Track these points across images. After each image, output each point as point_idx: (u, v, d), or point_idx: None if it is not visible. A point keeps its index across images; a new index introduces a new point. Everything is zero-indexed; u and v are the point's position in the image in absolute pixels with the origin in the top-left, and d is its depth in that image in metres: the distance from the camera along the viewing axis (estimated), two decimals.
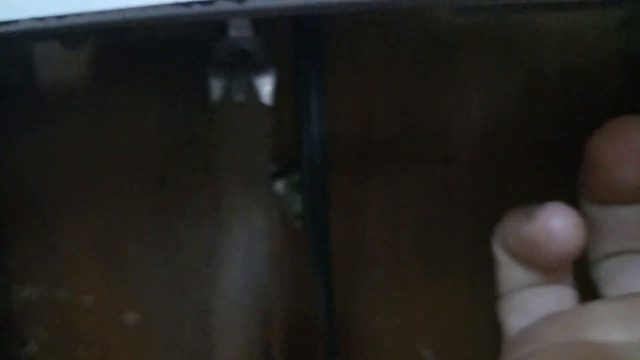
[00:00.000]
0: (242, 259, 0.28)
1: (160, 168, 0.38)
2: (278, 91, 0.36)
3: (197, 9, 0.15)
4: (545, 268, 0.23)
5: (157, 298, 0.40)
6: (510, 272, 0.24)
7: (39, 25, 0.17)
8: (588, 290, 0.24)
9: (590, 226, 0.22)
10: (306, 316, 0.38)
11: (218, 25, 0.24)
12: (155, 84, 0.37)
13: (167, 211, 0.38)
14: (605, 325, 0.20)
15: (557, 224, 0.20)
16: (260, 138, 0.28)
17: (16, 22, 0.17)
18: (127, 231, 0.39)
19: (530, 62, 0.34)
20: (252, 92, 0.26)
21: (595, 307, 0.21)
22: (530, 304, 0.23)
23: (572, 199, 0.23)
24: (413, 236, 0.37)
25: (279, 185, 0.33)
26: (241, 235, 0.28)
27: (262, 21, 0.24)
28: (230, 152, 0.27)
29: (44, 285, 0.41)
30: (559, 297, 0.23)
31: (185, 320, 0.40)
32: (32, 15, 0.17)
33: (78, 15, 0.17)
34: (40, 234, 0.41)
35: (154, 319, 0.40)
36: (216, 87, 0.28)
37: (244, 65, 0.26)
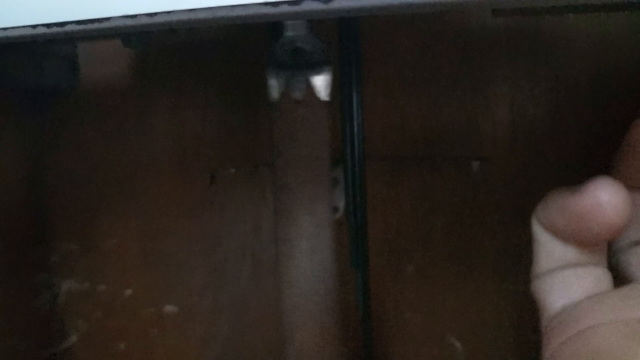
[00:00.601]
0: (308, 248, 0.29)
1: (208, 165, 0.39)
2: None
3: (284, 8, 0.16)
4: (591, 243, 0.23)
5: (196, 292, 0.41)
6: (550, 252, 0.24)
7: (131, 22, 0.19)
8: None
9: None
10: (345, 306, 0.39)
11: (274, 25, 0.26)
12: (198, 83, 0.39)
13: (208, 208, 0.40)
14: None
15: (606, 197, 0.21)
16: (321, 133, 0.29)
17: (107, 19, 0.19)
18: (168, 227, 0.41)
19: (559, 65, 0.35)
20: (310, 90, 0.28)
21: (635, 289, 0.22)
22: (571, 284, 0.24)
23: None
24: (444, 232, 0.38)
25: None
26: (307, 225, 0.29)
27: (315, 23, 0.26)
28: (293, 147, 0.28)
29: (86, 280, 0.43)
30: (596, 278, 0.24)
31: (222, 313, 0.41)
32: (124, 12, 0.19)
33: (168, 13, 0.18)
34: (84, 230, 0.42)
35: (192, 312, 0.42)
36: (275, 86, 0.29)
37: (302, 63, 0.27)
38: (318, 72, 0.27)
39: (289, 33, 0.25)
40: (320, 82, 0.28)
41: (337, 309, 0.30)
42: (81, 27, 0.19)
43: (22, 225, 0.41)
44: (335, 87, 0.34)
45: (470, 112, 0.36)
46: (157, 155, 0.40)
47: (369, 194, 0.36)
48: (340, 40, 0.33)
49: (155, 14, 0.18)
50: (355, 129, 0.34)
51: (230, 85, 0.38)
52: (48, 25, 0.20)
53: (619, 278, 0.25)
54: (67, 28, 0.20)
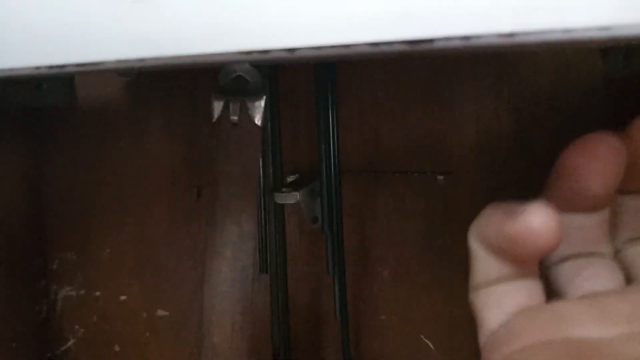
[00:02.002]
0: (231, 255, 0.32)
1: (196, 180, 0.42)
2: (294, 113, 0.40)
3: (255, 56, 0.19)
4: (522, 261, 0.24)
5: (186, 297, 0.44)
6: (486, 266, 0.25)
7: (122, 65, 0.21)
8: None
9: None
10: (321, 309, 0.42)
11: None
12: (187, 105, 0.41)
13: (196, 220, 0.42)
14: (583, 323, 0.22)
15: (538, 222, 0.21)
16: (252, 153, 0.31)
17: (102, 63, 0.22)
18: (159, 237, 0.43)
19: (521, 83, 0.38)
20: (246, 114, 0.30)
21: (569, 307, 0.23)
22: (505, 299, 0.25)
23: None
24: (416, 240, 0.41)
25: (298, 194, 0.37)
26: (232, 235, 0.31)
27: None
28: (227, 164, 0.31)
29: (82, 287, 0.45)
30: (529, 290, 0.25)
31: (211, 317, 0.44)
32: (116, 57, 0.22)
33: (155, 59, 0.21)
34: (80, 241, 0.45)
35: (182, 317, 0.44)
36: (216, 108, 0.31)
37: (241, 90, 0.29)
38: (253, 99, 0.30)
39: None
40: (255, 108, 0.30)
41: (250, 310, 0.32)
42: (79, 69, 0.22)
43: (23, 236, 0.44)
44: (317, 110, 0.37)
45: (438, 129, 0.39)
46: (149, 171, 0.43)
47: (345, 205, 0.39)
48: (317, 68, 0.36)
49: (144, 59, 0.21)
50: (332, 146, 0.37)
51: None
52: (50, 67, 0.23)
53: (550, 292, 0.26)
54: (66, 69, 0.22)
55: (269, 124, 0.35)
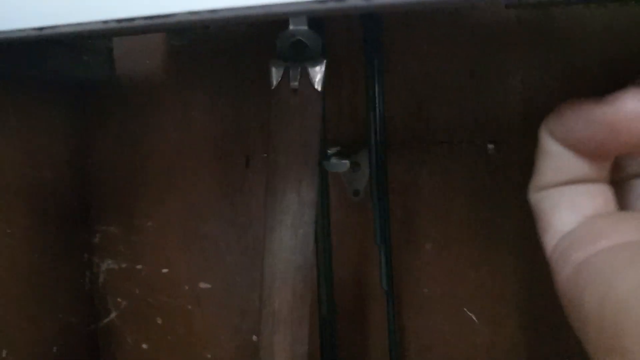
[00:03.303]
0: (291, 223, 0.31)
1: (243, 150, 0.42)
2: (340, 87, 0.40)
3: (331, 5, 0.19)
4: (611, 155, 0.23)
5: (229, 270, 0.44)
6: (560, 165, 0.24)
7: (194, 18, 0.21)
8: None
9: None
10: (364, 281, 0.42)
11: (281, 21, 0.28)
12: (229, 74, 0.41)
13: (242, 193, 0.42)
14: None
15: (637, 103, 0.20)
16: (312, 120, 0.30)
17: (173, 15, 0.22)
18: (205, 210, 0.44)
19: (570, 53, 0.37)
20: (306, 80, 0.29)
21: None
22: (582, 201, 0.23)
23: None
24: (461, 212, 0.40)
25: (347, 164, 0.36)
26: (292, 203, 0.31)
27: (319, 20, 0.28)
28: (285, 132, 0.31)
29: (125, 260, 0.46)
30: (604, 195, 0.24)
31: (254, 290, 0.44)
32: (188, 9, 0.22)
33: (228, 9, 0.21)
34: (124, 214, 0.45)
35: (226, 289, 0.44)
36: (275, 75, 0.30)
37: (300, 55, 0.29)
38: (314, 64, 0.29)
39: (291, 27, 0.27)
40: (315, 73, 0.29)
41: (311, 279, 0.32)
42: (148, 22, 0.22)
43: (68, 209, 0.44)
44: (365, 79, 0.37)
45: (485, 100, 0.39)
46: (194, 142, 0.43)
47: (390, 177, 0.39)
48: (364, 34, 0.36)
49: (216, 10, 0.21)
50: (378, 117, 0.37)
51: (262, 77, 0.41)
52: (119, 21, 0.23)
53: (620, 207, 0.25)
54: (136, 23, 0.22)
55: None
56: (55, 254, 0.43)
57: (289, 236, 0.31)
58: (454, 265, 0.41)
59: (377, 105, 0.37)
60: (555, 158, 0.24)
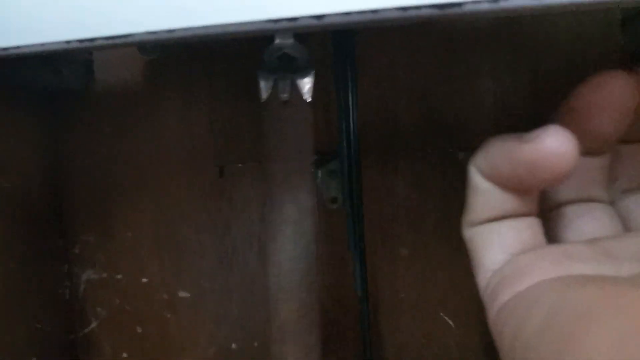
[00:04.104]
0: (291, 232, 0.32)
1: (216, 160, 0.42)
2: (313, 95, 0.40)
3: (283, 24, 0.20)
4: (534, 191, 0.23)
5: (206, 277, 0.44)
6: (488, 200, 0.24)
7: (151, 37, 0.22)
8: None
9: None
10: (345, 286, 0.42)
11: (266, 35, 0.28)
12: (205, 85, 0.42)
13: (217, 200, 0.43)
14: (594, 262, 0.21)
15: (558, 144, 0.21)
16: (304, 129, 0.31)
17: (132, 35, 0.22)
18: (180, 218, 0.44)
19: (538, 58, 0.38)
20: (295, 91, 0.30)
21: (577, 247, 0.23)
22: (509, 238, 0.24)
23: None
24: (435, 218, 0.41)
25: (319, 174, 0.37)
26: (291, 212, 0.32)
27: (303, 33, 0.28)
28: (280, 142, 0.31)
29: (104, 269, 0.46)
30: (532, 230, 0.24)
31: (232, 296, 0.44)
32: (146, 29, 0.22)
33: (185, 29, 0.21)
34: (101, 223, 0.46)
35: (204, 297, 0.45)
36: (264, 87, 0.31)
37: (288, 68, 0.29)
38: (302, 76, 0.30)
39: (278, 41, 0.28)
40: (304, 85, 0.30)
41: (316, 287, 0.33)
42: (108, 42, 0.23)
43: (43, 219, 0.44)
44: (336, 87, 0.37)
45: (456, 106, 0.39)
46: (169, 151, 0.43)
47: (364, 184, 0.39)
48: (335, 43, 0.36)
49: (173, 30, 0.21)
50: (351, 125, 0.37)
51: (236, 86, 0.41)
52: (80, 41, 0.23)
53: (548, 237, 0.25)
54: (97, 43, 0.23)
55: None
56: (33, 264, 0.43)
57: (291, 246, 0.32)
58: (428, 270, 0.42)
59: (350, 113, 0.37)
60: (484, 194, 0.24)
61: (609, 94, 0.22)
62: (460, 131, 0.39)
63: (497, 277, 0.24)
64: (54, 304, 0.46)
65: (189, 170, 0.43)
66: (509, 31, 0.38)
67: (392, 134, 0.40)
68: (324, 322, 0.39)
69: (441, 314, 0.42)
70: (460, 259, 0.41)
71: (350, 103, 0.37)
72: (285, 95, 0.31)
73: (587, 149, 0.24)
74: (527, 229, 0.24)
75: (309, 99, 0.31)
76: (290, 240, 0.32)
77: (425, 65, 0.39)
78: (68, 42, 0.23)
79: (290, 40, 0.28)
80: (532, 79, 0.38)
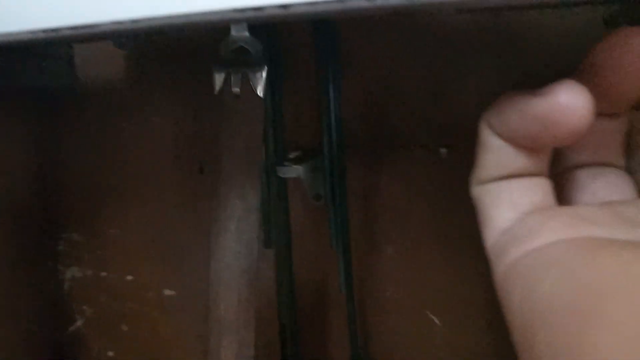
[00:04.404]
0: (235, 229, 0.32)
1: (196, 156, 0.42)
2: (298, 87, 0.40)
3: (249, 14, 0.19)
4: (547, 148, 0.23)
5: (194, 276, 0.44)
6: (499, 158, 0.23)
7: (117, 27, 0.21)
8: None
9: None
10: (328, 286, 0.42)
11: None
12: (190, 80, 0.41)
13: (203, 196, 0.42)
14: (606, 225, 0.21)
15: (572, 99, 0.20)
16: (255, 125, 0.30)
17: (98, 25, 0.22)
18: (166, 216, 0.44)
19: (524, 57, 0.37)
20: (248, 86, 0.29)
21: (589, 209, 0.22)
22: (519, 197, 0.23)
23: None
24: (421, 215, 0.40)
25: (301, 170, 0.36)
26: (237, 208, 0.32)
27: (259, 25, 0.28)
28: (230, 137, 0.31)
29: (89, 267, 0.46)
30: (543, 190, 0.24)
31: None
32: (112, 19, 0.22)
33: (150, 19, 0.21)
34: (87, 221, 0.45)
35: (190, 295, 0.44)
36: (218, 80, 0.30)
37: (241, 61, 0.29)
38: (255, 70, 0.29)
39: (232, 33, 0.27)
40: (257, 79, 0.29)
41: (256, 283, 0.32)
42: (73, 32, 0.22)
43: (29, 217, 0.44)
44: (317, 82, 0.37)
45: (441, 103, 0.39)
46: (153, 149, 0.43)
47: (349, 181, 0.39)
48: (316, 38, 0.36)
49: (138, 20, 0.21)
50: (334, 120, 0.37)
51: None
52: (44, 31, 0.23)
53: (561, 199, 0.25)
54: (61, 33, 0.22)
55: (270, 97, 0.35)
56: (18, 261, 0.43)
57: (233, 241, 0.32)
58: (415, 268, 0.41)
59: (331, 109, 0.37)
60: (494, 151, 0.24)
61: (629, 50, 0.21)
62: (445, 129, 0.39)
63: (506, 236, 0.23)
64: (39, 302, 0.45)
65: (175, 167, 0.43)
66: (495, 31, 0.38)
67: (376, 130, 0.40)
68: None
69: (428, 313, 0.41)
70: (447, 257, 0.40)
71: (332, 97, 0.37)
72: (236, 89, 0.30)
73: (604, 110, 0.23)
74: (538, 189, 0.24)
75: (261, 94, 0.30)
76: (233, 236, 0.31)
77: (411, 62, 0.39)
78: (33, 32, 0.23)
79: (244, 33, 0.28)
80: (517, 77, 0.38)
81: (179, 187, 0.43)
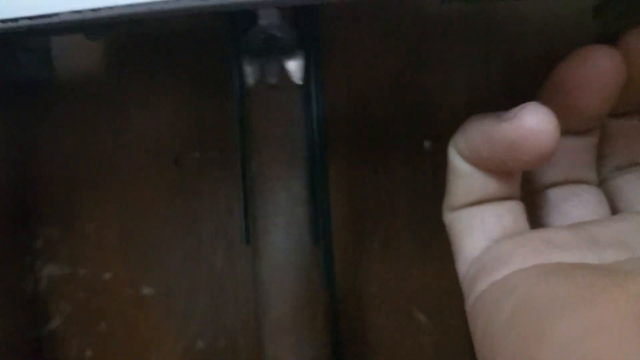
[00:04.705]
0: (284, 223, 0.30)
1: (174, 149, 0.41)
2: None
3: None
4: (516, 172, 0.23)
5: (173, 273, 0.43)
6: (469, 184, 0.23)
7: (77, 17, 0.20)
8: None
9: None
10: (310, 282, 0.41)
11: (249, 15, 0.27)
12: (169, 72, 0.40)
13: (180, 190, 0.41)
14: (576, 249, 0.20)
15: (536, 123, 0.20)
16: (295, 114, 0.30)
17: (57, 14, 0.21)
18: (144, 211, 0.42)
19: (510, 46, 0.37)
20: (284, 74, 0.29)
21: (559, 233, 0.22)
22: (489, 222, 0.23)
23: None
24: (406, 210, 0.40)
25: None
26: (282, 202, 0.30)
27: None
28: (268, 128, 0.30)
29: (67, 264, 0.45)
30: (514, 214, 0.23)
31: (199, 292, 0.43)
32: (71, 8, 0.20)
33: (110, 8, 0.20)
34: (64, 215, 0.44)
35: (170, 292, 0.43)
36: (250, 72, 0.30)
37: (275, 50, 0.28)
38: (291, 57, 0.28)
39: (262, 22, 0.26)
40: (294, 67, 0.28)
41: (308, 280, 0.31)
42: (32, 22, 0.21)
43: (6, 213, 0.43)
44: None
45: (427, 94, 0.38)
46: (130, 142, 0.41)
47: (331, 175, 0.38)
48: (299, 25, 0.35)
49: (98, 9, 0.20)
50: (316, 111, 0.36)
51: (202, 73, 0.39)
52: (3, 21, 0.21)
53: (533, 221, 0.24)
54: (21, 23, 0.21)
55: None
56: None
57: (282, 238, 0.30)
58: (401, 264, 0.40)
59: (313, 98, 0.35)
60: (464, 177, 0.24)
61: (593, 68, 0.21)
62: (431, 120, 0.38)
63: (475, 266, 0.23)
64: (15, 300, 0.44)
65: (153, 162, 0.41)
66: (482, 20, 0.37)
67: (359, 122, 0.39)
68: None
69: (414, 309, 0.40)
70: (433, 252, 0.40)
71: (314, 88, 0.35)
72: (273, 79, 0.29)
73: (573, 128, 0.23)
74: (509, 214, 0.23)
75: (299, 82, 0.29)
76: (281, 232, 0.30)
77: (397, 52, 0.38)
78: None
79: (275, 20, 0.27)
80: (504, 68, 0.37)
81: (159, 183, 0.42)
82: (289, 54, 0.29)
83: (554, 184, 0.25)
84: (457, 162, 0.24)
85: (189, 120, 0.40)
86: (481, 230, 0.23)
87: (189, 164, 0.40)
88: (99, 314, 0.45)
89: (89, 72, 0.42)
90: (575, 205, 0.24)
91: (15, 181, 0.44)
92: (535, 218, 0.25)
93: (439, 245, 0.40)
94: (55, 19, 0.21)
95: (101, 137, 0.42)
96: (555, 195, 0.25)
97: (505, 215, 0.23)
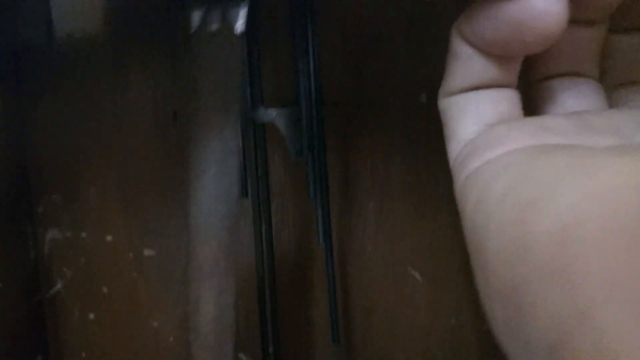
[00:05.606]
0: (216, 172, 0.31)
1: (174, 105, 0.41)
2: (276, 38, 0.39)
3: None
4: (519, 55, 0.22)
5: (172, 236, 0.44)
6: (469, 67, 0.23)
7: None
8: None
9: None
10: (307, 242, 0.41)
11: None
12: (164, 30, 0.41)
13: (180, 154, 0.42)
14: (570, 134, 0.20)
15: (545, 2, 0.19)
16: (233, 64, 0.29)
17: None
18: (145, 175, 0.43)
19: None
20: (226, 23, 0.28)
21: (555, 119, 0.22)
22: (486, 107, 0.23)
23: None
24: (401, 171, 0.40)
25: (274, 114, 0.36)
26: (216, 151, 0.31)
27: None
28: (207, 77, 0.30)
29: (68, 229, 0.45)
30: (511, 101, 0.23)
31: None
32: None
33: None
34: (66, 182, 0.45)
35: (169, 256, 0.44)
36: (194, 18, 0.29)
37: None
38: (233, 6, 0.28)
39: None
40: (235, 16, 0.28)
41: (235, 229, 0.32)
42: None
43: (8, 179, 0.44)
44: (293, 33, 0.36)
45: (423, 52, 0.38)
46: (131, 106, 0.42)
47: (328, 136, 0.38)
48: None
49: None
50: (312, 72, 0.36)
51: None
52: None
53: (531, 110, 0.24)
54: None
55: (246, 40, 0.34)
56: None
57: (213, 186, 0.31)
58: (396, 224, 0.41)
59: (310, 60, 0.36)
60: (464, 60, 0.23)
61: None
62: (426, 75, 0.38)
63: (469, 147, 0.23)
64: (18, 265, 0.45)
65: (153, 125, 0.42)
66: None
67: (355, 82, 0.39)
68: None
69: (409, 268, 0.41)
70: (428, 212, 0.40)
71: (310, 50, 0.36)
72: (214, 27, 0.29)
73: (580, 16, 0.22)
74: (506, 101, 0.23)
75: (240, 32, 0.28)
76: (212, 180, 0.31)
77: (391, 9, 0.38)
78: None
79: None
80: None
81: (157, 146, 0.42)
82: (232, 2, 0.28)
83: (553, 75, 0.24)
84: (459, 45, 0.23)
85: (183, 73, 0.41)
86: (476, 114, 0.23)
87: (185, 119, 0.41)
88: (102, 278, 0.45)
89: (87, 39, 0.42)
90: (572, 95, 0.24)
91: (17, 149, 0.44)
92: (532, 108, 0.25)
93: (433, 204, 0.40)
94: None
95: (102, 104, 0.43)
96: (554, 86, 0.24)
97: (502, 102, 0.23)
